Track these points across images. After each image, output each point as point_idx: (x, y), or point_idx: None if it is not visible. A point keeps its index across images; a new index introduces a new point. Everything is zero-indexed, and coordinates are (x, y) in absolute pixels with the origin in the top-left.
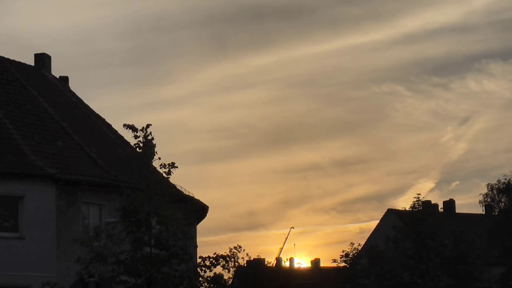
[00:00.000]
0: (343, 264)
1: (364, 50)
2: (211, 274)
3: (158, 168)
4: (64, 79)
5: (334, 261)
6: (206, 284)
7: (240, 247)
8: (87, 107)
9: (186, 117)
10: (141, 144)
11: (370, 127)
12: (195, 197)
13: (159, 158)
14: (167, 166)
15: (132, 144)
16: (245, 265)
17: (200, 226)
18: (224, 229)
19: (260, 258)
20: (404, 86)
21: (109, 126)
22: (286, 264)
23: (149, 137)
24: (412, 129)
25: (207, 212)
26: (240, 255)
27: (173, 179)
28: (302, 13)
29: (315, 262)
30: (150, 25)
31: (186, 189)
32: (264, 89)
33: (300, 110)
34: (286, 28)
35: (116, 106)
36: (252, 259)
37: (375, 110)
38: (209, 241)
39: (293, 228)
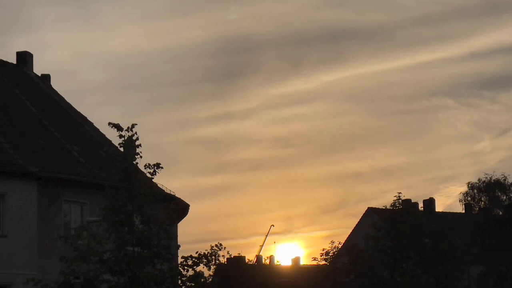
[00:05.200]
0: (323, 262)
1: (429, 66)
2: (192, 272)
3: (143, 169)
4: (46, 77)
5: (315, 259)
6: (188, 283)
7: (221, 244)
8: (69, 105)
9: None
10: (136, 143)
11: (416, 138)
12: (176, 195)
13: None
14: (152, 166)
15: (117, 144)
16: (225, 262)
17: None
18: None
19: (240, 256)
20: (454, 99)
21: (91, 124)
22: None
23: (134, 137)
24: (454, 139)
25: (187, 211)
26: (221, 252)
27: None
28: (377, 33)
29: (296, 260)
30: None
31: (168, 187)
32: (326, 102)
33: (349, 122)
34: (361, 47)
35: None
36: (232, 256)
37: (422, 122)
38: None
39: (273, 226)
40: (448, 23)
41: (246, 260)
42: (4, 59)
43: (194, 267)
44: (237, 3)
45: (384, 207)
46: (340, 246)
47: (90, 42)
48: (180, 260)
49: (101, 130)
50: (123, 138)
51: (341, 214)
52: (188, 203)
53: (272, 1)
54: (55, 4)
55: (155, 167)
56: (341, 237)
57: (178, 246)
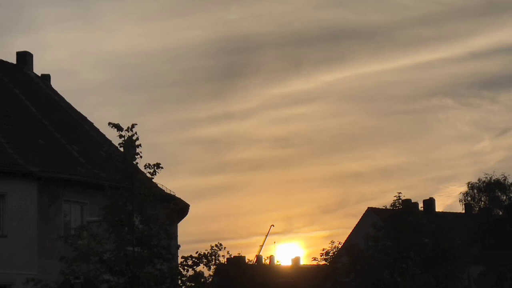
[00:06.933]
0: (323, 262)
1: (429, 66)
2: (192, 272)
3: (143, 169)
4: (46, 77)
5: (315, 259)
6: (188, 283)
7: (221, 244)
8: (69, 105)
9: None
10: (136, 143)
11: (416, 138)
12: (176, 195)
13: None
14: (152, 166)
15: (117, 144)
16: (225, 262)
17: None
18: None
19: (240, 256)
20: (454, 99)
21: (91, 124)
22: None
23: (134, 137)
24: (454, 139)
25: (187, 211)
26: (221, 253)
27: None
28: (377, 33)
29: (296, 260)
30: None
31: (168, 187)
32: (326, 102)
33: (349, 122)
34: (361, 47)
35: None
36: (232, 256)
37: (422, 122)
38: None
39: (273, 226)
40: (448, 23)
41: (246, 260)
42: (4, 59)
43: (194, 267)
44: (237, 3)
45: (384, 207)
46: (340, 246)
47: (90, 42)
48: (180, 260)
49: (101, 130)
50: (123, 138)
51: (341, 214)
52: (188, 203)
53: (272, 1)
54: (55, 4)
55: (155, 167)
56: (341, 237)
57: (178, 246)
